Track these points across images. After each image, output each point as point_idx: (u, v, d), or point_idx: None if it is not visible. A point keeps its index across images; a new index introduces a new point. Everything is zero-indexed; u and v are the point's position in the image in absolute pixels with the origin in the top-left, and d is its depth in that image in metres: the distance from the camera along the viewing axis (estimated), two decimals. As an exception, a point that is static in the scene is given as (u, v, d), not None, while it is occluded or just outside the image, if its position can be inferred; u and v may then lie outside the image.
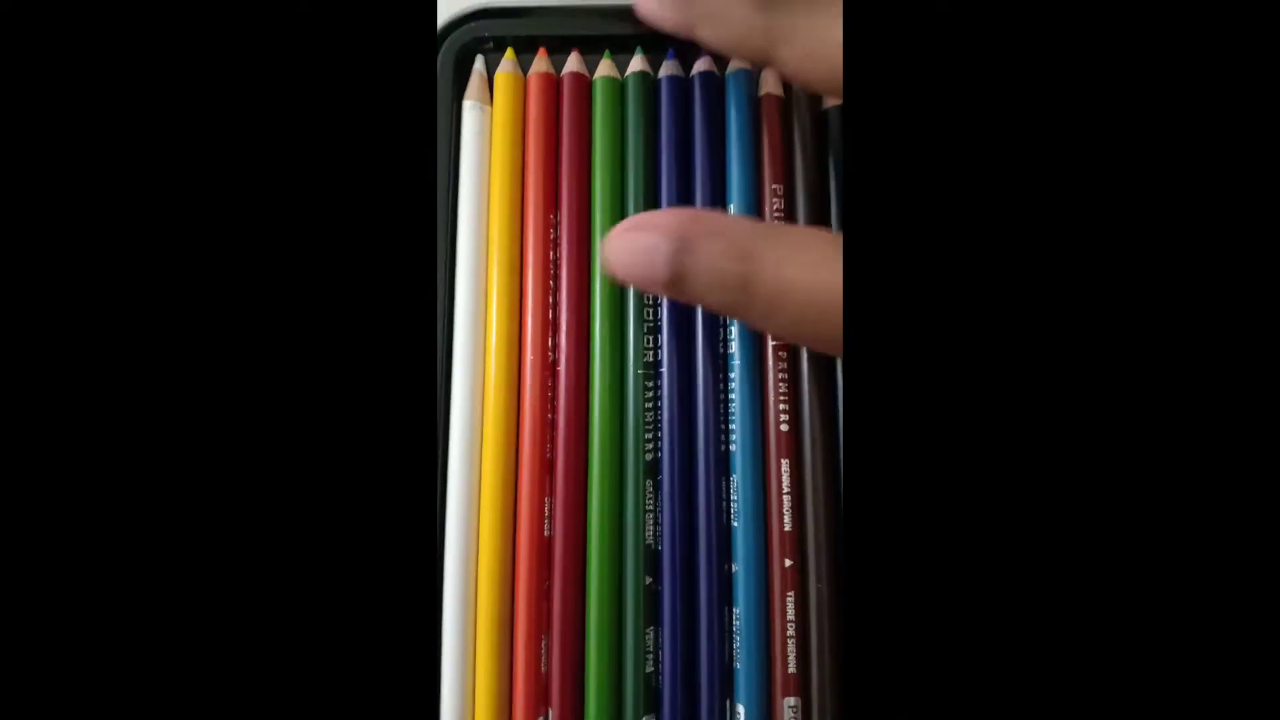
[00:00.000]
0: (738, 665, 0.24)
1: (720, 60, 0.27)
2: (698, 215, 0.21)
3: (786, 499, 0.24)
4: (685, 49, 0.27)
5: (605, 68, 0.27)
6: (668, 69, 0.27)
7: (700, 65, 0.27)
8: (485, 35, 0.28)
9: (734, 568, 0.24)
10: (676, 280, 0.20)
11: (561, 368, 0.25)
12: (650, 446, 0.25)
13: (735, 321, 0.25)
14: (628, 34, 0.27)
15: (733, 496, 0.25)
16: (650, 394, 0.25)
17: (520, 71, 0.27)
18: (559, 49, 0.28)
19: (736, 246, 0.20)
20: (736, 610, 0.24)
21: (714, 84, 0.27)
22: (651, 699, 0.24)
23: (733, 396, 0.25)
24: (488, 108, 0.27)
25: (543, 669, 0.24)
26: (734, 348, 0.25)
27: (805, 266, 0.19)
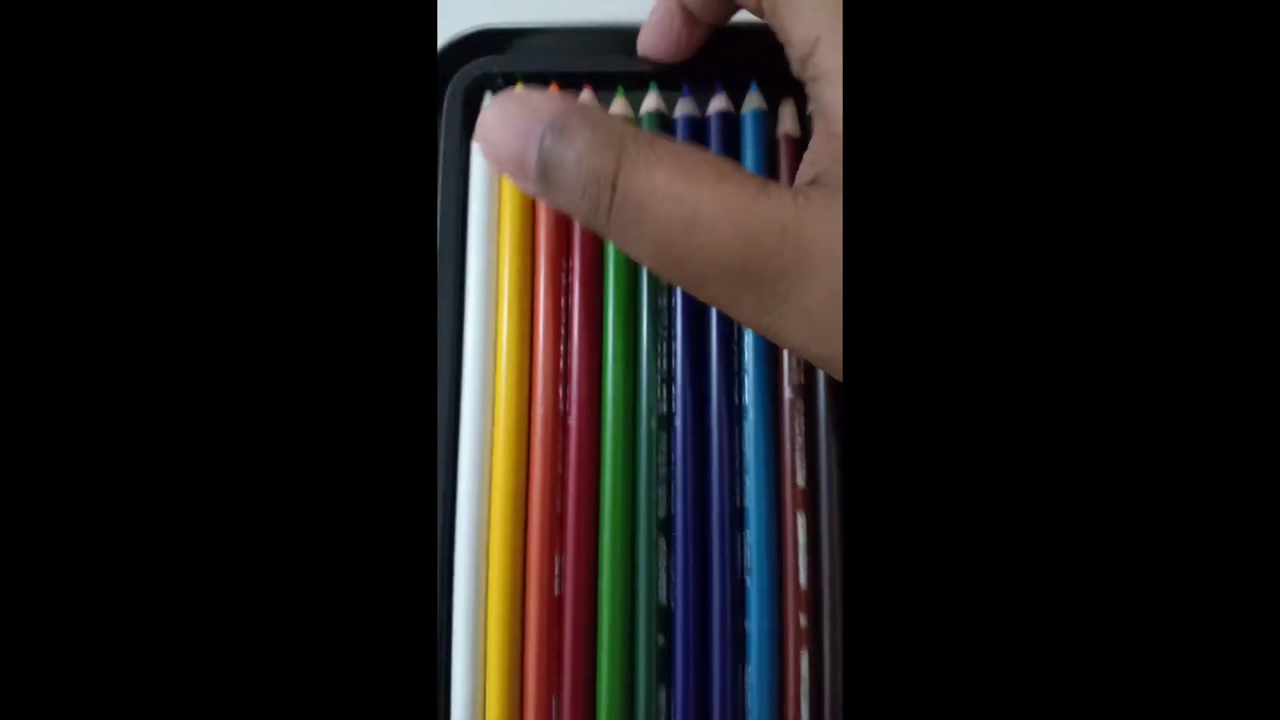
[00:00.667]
0: (751, 725, 0.24)
1: (737, 100, 0.26)
2: (579, 105, 0.19)
3: (802, 556, 0.24)
4: (700, 87, 0.26)
5: (618, 105, 0.27)
6: (683, 108, 0.26)
7: (716, 105, 0.26)
8: (494, 71, 0.27)
9: (747, 625, 0.24)
10: (545, 171, 0.19)
11: (573, 420, 0.25)
12: (663, 502, 0.25)
13: (749, 371, 0.25)
14: (643, 71, 0.26)
15: (746, 552, 0.24)
16: (663, 447, 0.25)
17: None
18: (570, 85, 0.27)
19: (611, 140, 0.18)
20: (750, 668, 0.24)
21: (730, 124, 0.26)
22: (664, 759, 0.24)
23: (747, 449, 0.25)
24: (497, 148, 0.26)
25: (554, 728, 0.24)
26: (748, 398, 0.25)
27: (676, 174, 0.18)
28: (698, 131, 0.26)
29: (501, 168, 0.20)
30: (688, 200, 0.18)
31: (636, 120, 0.26)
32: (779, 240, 0.18)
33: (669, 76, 0.26)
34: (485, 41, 0.27)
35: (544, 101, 0.19)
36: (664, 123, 0.26)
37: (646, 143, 0.19)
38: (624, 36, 0.26)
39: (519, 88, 0.20)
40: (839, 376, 0.19)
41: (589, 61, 0.27)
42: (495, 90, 0.27)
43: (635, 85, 0.27)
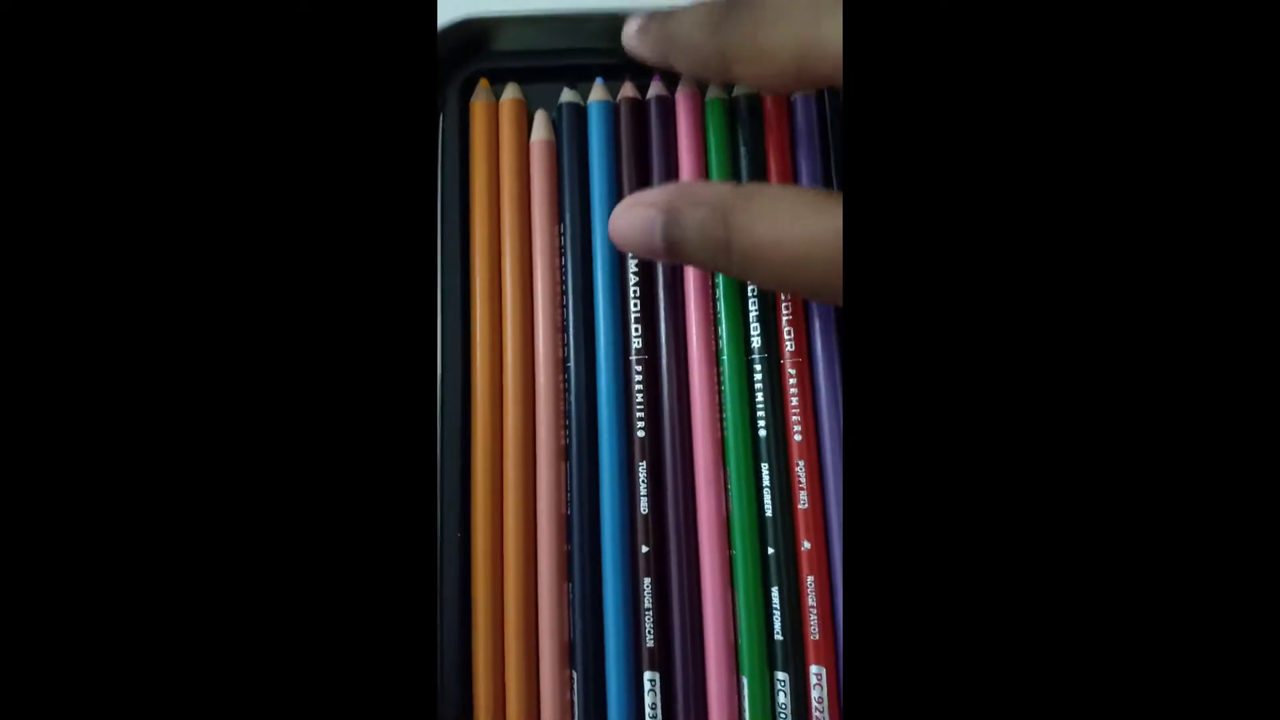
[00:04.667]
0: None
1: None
2: (682, 188, 0.24)
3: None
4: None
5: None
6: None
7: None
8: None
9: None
10: (670, 248, 0.24)
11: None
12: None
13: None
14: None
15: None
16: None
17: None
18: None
19: (716, 213, 0.22)
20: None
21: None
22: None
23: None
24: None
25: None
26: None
27: (774, 225, 0.22)
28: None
29: (636, 252, 0.25)
30: (787, 241, 0.22)
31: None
32: None
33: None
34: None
35: (657, 195, 0.24)
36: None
37: (746, 203, 0.22)
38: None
39: (636, 195, 0.24)
40: None
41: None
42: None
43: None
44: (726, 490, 0.27)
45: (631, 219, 0.24)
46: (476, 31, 0.29)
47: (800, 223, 0.21)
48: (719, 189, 0.23)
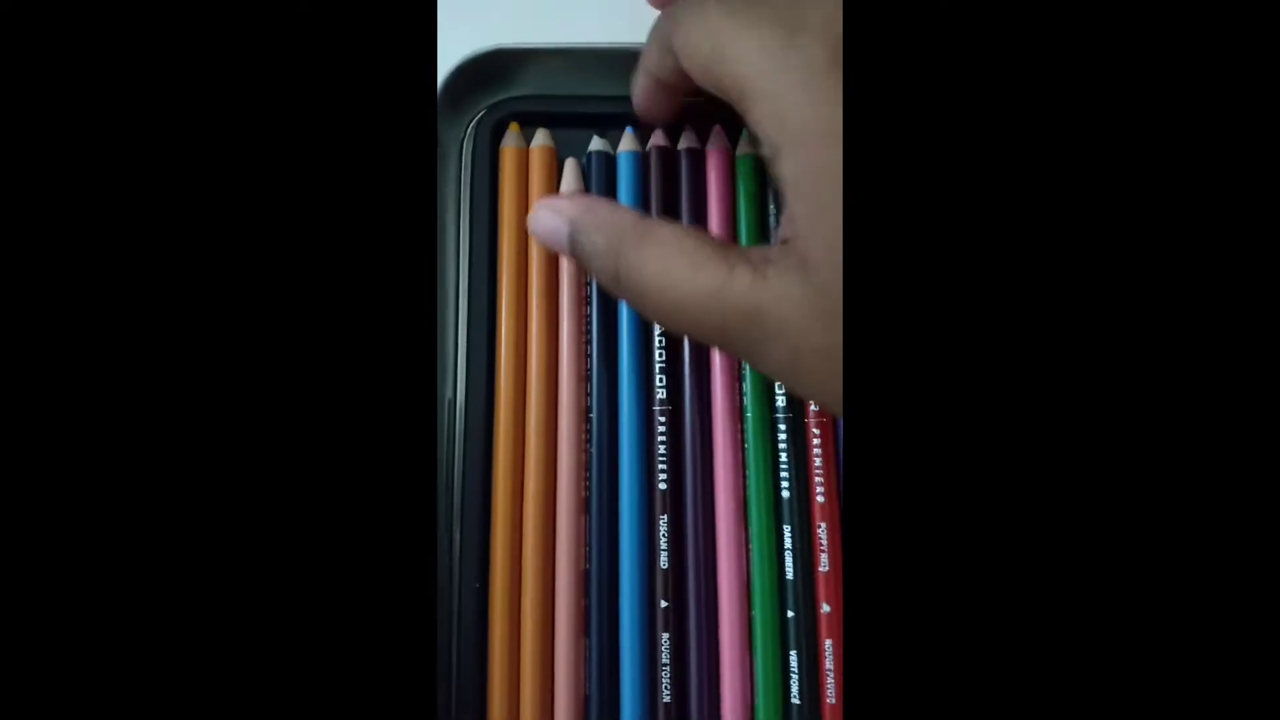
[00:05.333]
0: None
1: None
2: (590, 205, 0.24)
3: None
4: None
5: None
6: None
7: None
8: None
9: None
10: (577, 259, 0.24)
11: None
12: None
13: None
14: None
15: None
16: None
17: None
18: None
19: (610, 243, 0.23)
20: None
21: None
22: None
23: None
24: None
25: None
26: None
27: (660, 270, 0.22)
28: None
29: (553, 250, 0.26)
30: (669, 290, 0.22)
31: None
32: (744, 321, 0.21)
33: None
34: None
35: (565, 205, 0.24)
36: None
37: (638, 239, 0.22)
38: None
39: (550, 198, 0.25)
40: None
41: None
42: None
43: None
44: (747, 550, 0.27)
45: (545, 222, 0.24)
46: (505, 62, 0.29)
47: (683, 276, 0.21)
48: (621, 219, 0.23)
